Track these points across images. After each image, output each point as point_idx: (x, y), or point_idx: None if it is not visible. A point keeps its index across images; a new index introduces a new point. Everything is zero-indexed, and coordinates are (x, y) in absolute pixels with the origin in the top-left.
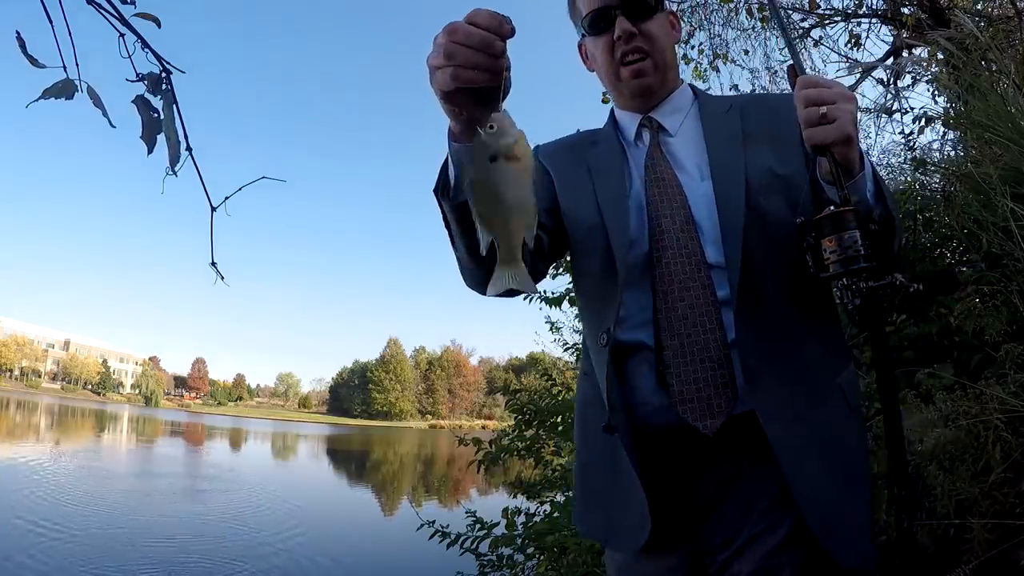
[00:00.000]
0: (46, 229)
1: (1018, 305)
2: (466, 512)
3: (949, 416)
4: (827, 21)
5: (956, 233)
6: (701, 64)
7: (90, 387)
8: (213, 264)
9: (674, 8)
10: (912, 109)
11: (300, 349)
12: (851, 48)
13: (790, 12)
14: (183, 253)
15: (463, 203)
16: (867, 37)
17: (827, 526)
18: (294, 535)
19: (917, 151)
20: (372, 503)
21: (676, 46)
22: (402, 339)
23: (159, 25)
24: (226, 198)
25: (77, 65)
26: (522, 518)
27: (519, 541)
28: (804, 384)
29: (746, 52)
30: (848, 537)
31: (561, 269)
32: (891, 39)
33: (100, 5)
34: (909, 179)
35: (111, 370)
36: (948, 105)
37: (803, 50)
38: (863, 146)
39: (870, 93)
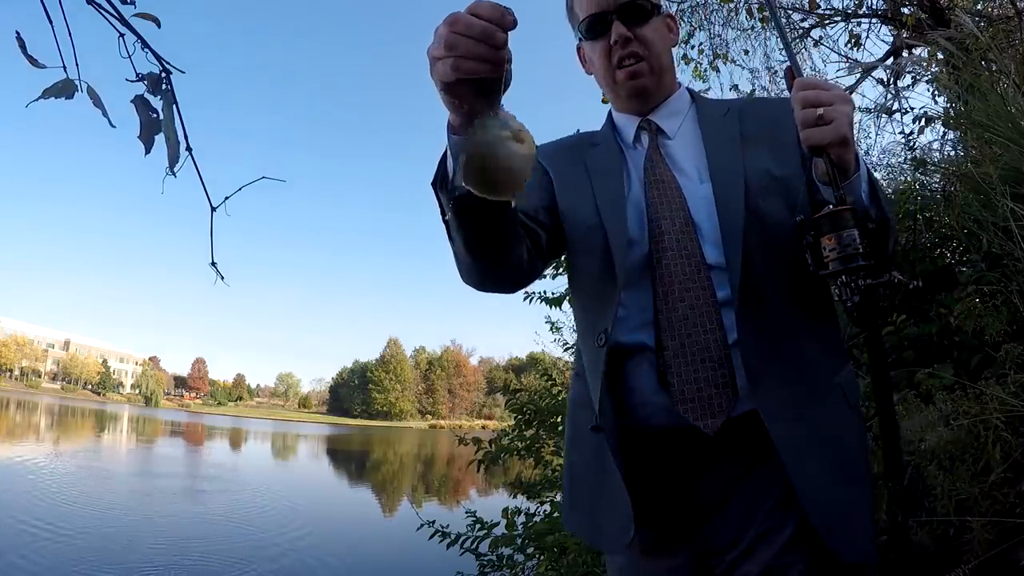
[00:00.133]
0: (46, 229)
1: (1018, 305)
2: (466, 512)
3: (949, 416)
4: (827, 21)
5: (956, 233)
6: (701, 64)
7: (90, 387)
8: (213, 264)
9: (673, 8)
10: (912, 109)
11: (300, 349)
12: (851, 48)
13: (790, 12)
14: (183, 253)
15: (461, 196)
16: (867, 37)
17: (830, 525)
18: (302, 535)
19: (917, 151)
20: (372, 503)
21: (675, 47)
22: (402, 339)
23: (159, 25)
24: (226, 198)
25: (77, 65)
26: (522, 518)
27: (519, 541)
28: (805, 384)
29: (746, 52)
30: (851, 535)
31: (561, 270)
32: (891, 39)
33: (100, 5)
34: (909, 179)
35: (111, 370)
36: (948, 105)
37: (803, 50)
38: (860, 147)
39: (870, 93)
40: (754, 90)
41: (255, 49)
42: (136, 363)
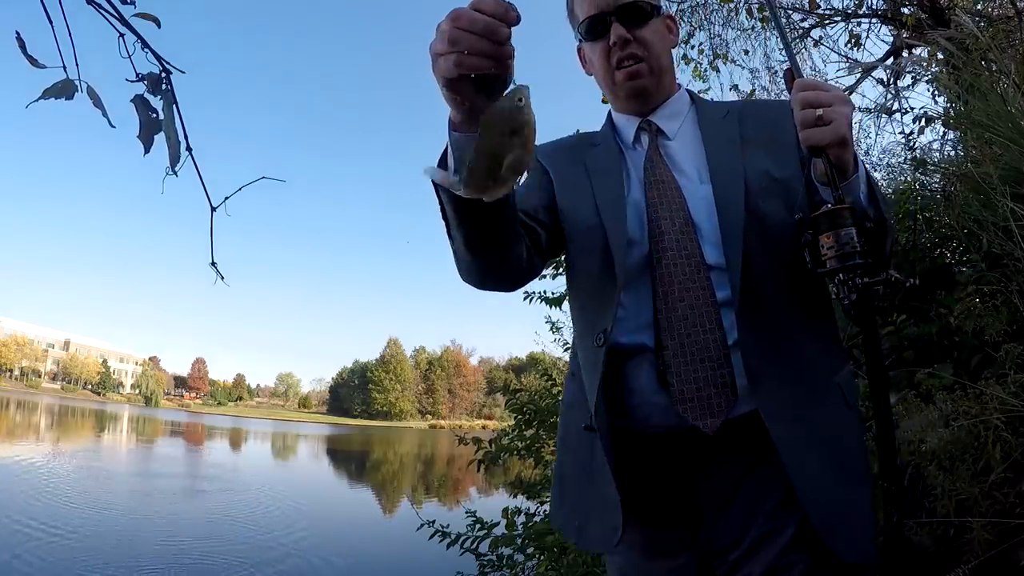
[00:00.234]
0: (46, 229)
1: (1018, 305)
2: (466, 512)
3: (949, 416)
4: (827, 21)
5: (956, 233)
6: (701, 64)
7: (90, 387)
8: (213, 264)
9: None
10: (912, 109)
11: (300, 349)
12: (851, 48)
13: (790, 12)
14: (183, 253)
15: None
16: (867, 37)
17: (830, 525)
18: (307, 535)
19: (917, 151)
20: (373, 503)
21: (675, 48)
22: (402, 339)
23: (159, 25)
24: (226, 198)
25: (77, 65)
26: (522, 518)
27: (519, 541)
28: (805, 384)
29: (746, 52)
30: (851, 535)
31: (561, 270)
32: (891, 39)
33: (100, 5)
34: (909, 179)
35: (111, 370)
36: (948, 105)
37: (803, 50)
38: (860, 147)
39: (870, 93)
40: (754, 90)
41: (255, 49)
42: (136, 363)
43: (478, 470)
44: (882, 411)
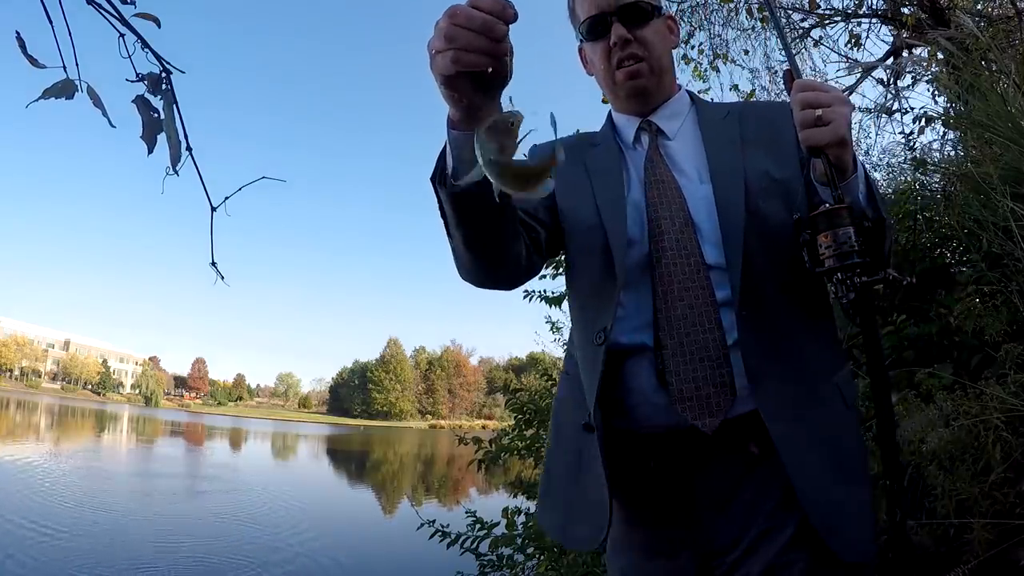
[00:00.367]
0: (46, 229)
1: (1018, 305)
2: (466, 512)
3: (949, 416)
4: (827, 21)
5: (956, 233)
6: (701, 64)
7: (90, 387)
8: (213, 264)
9: (673, 8)
10: (912, 109)
11: (300, 349)
12: (851, 48)
13: (790, 12)
14: (183, 253)
15: (460, 192)
16: (867, 37)
17: (830, 525)
18: (315, 536)
19: (917, 151)
20: (373, 503)
21: (675, 48)
22: (402, 339)
23: (159, 25)
24: (226, 198)
25: (77, 65)
26: (522, 518)
27: (519, 541)
28: (804, 384)
29: (746, 52)
30: (851, 534)
31: (561, 269)
32: (891, 39)
33: (100, 5)
34: (909, 179)
35: (111, 370)
36: (948, 105)
37: (803, 50)
38: (860, 147)
39: (870, 93)
40: (754, 90)
41: (255, 49)
42: (136, 363)
43: (478, 470)
44: (883, 410)
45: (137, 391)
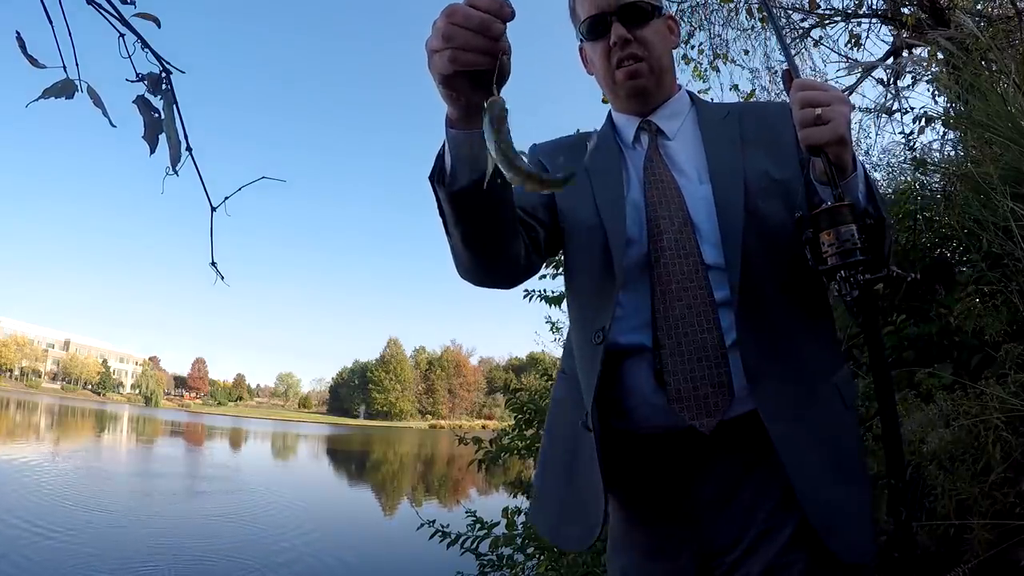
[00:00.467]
0: (46, 229)
1: (1018, 305)
2: (466, 512)
3: (949, 416)
4: (827, 21)
5: (956, 233)
6: (701, 64)
7: (90, 387)
8: (213, 264)
9: (673, 8)
10: (912, 109)
11: (300, 349)
12: (851, 48)
13: (790, 12)
14: (183, 253)
15: (458, 191)
16: (867, 37)
17: (829, 525)
18: (322, 537)
19: (917, 151)
20: (373, 503)
21: (675, 48)
22: (402, 339)
23: (159, 25)
24: (226, 198)
25: (77, 65)
26: (522, 518)
27: (519, 541)
28: (803, 384)
29: (746, 52)
30: (850, 535)
31: (561, 269)
32: (891, 39)
33: (100, 5)
34: (909, 179)
35: (111, 370)
36: (948, 105)
37: (803, 50)
38: (860, 147)
39: (870, 93)
40: (754, 90)
41: (255, 48)
42: (136, 363)
43: (478, 470)
44: (887, 408)
45: (137, 391)
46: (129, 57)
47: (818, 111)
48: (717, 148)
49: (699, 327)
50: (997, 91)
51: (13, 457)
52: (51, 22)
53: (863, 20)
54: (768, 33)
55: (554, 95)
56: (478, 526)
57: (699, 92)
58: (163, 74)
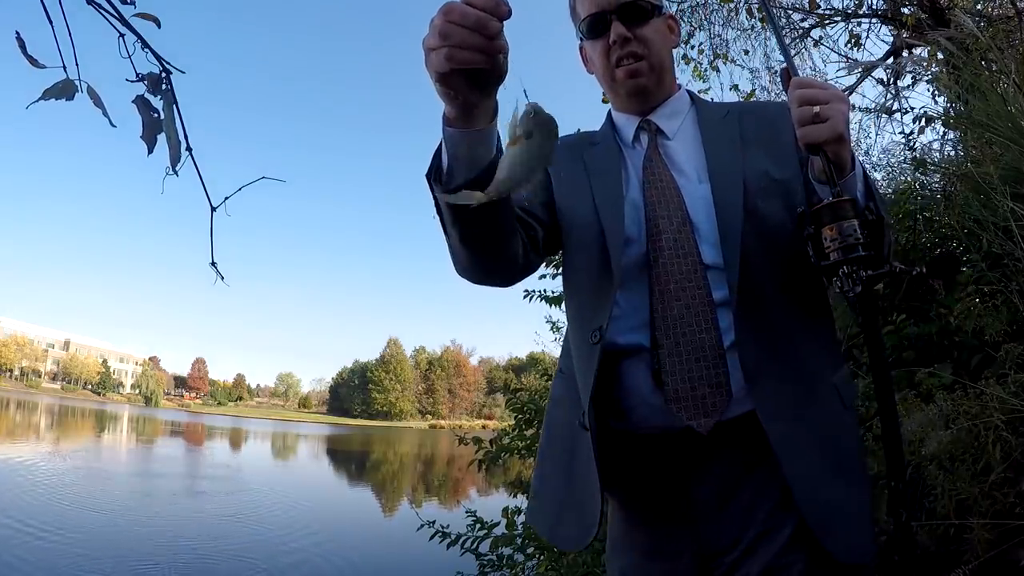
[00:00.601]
0: (46, 229)
1: (1018, 305)
2: (466, 512)
3: (949, 416)
4: (827, 21)
5: (956, 233)
6: (701, 64)
7: (90, 387)
8: (213, 264)
9: (673, 8)
10: (912, 109)
11: (300, 349)
12: (851, 48)
13: (790, 12)
14: (183, 253)
15: (455, 189)
16: (867, 37)
17: (827, 526)
18: (328, 538)
19: (917, 151)
20: (373, 503)
21: (675, 48)
22: (402, 339)
23: (159, 25)
24: (226, 198)
25: (77, 65)
26: (522, 518)
27: (519, 541)
28: (802, 384)
29: (746, 52)
30: (847, 535)
31: (561, 268)
32: (891, 39)
33: (100, 5)
34: (909, 179)
35: (111, 370)
36: (948, 105)
37: (803, 50)
38: (860, 147)
39: (870, 93)
40: (754, 90)
41: (255, 47)
42: (136, 363)
43: (479, 470)
44: (886, 406)
45: (137, 391)
46: (129, 57)
47: (816, 109)
48: (717, 148)
49: (697, 327)
50: (997, 91)
51: (13, 457)
52: (51, 22)
53: (863, 20)
54: (768, 33)
55: (553, 94)
56: (478, 526)
57: (699, 92)
58: (163, 74)
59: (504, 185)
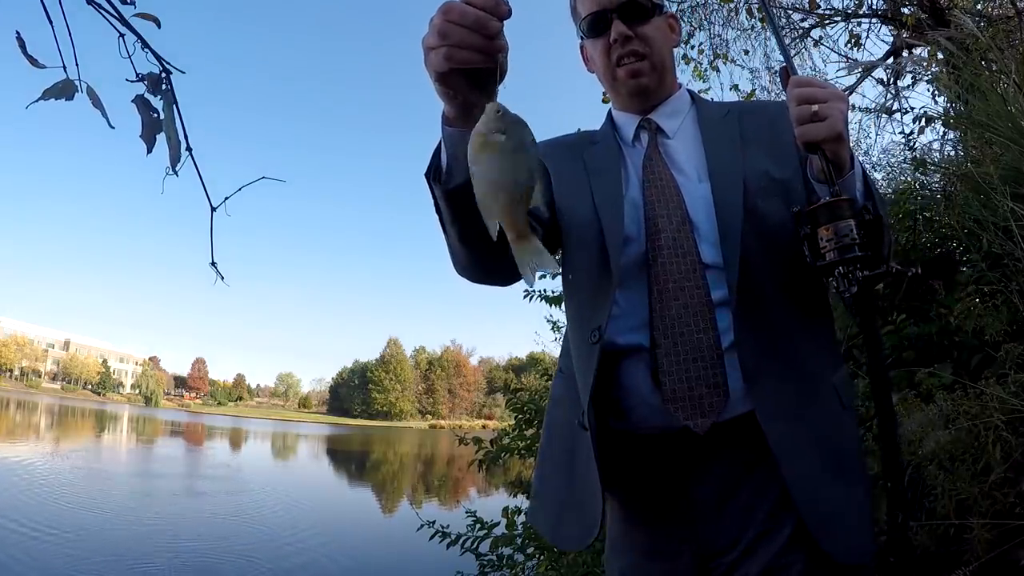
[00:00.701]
0: (46, 229)
1: (1018, 305)
2: (466, 512)
3: (949, 416)
4: (827, 21)
5: (956, 233)
6: (701, 64)
7: (90, 387)
8: (213, 264)
9: (674, 8)
10: (912, 109)
11: (300, 349)
12: (851, 48)
13: (790, 12)
14: (183, 253)
15: (454, 189)
16: (867, 37)
17: (825, 526)
18: (331, 540)
19: (917, 151)
20: (373, 503)
21: (676, 47)
22: (402, 339)
23: (159, 25)
24: (226, 198)
25: (77, 65)
26: (522, 518)
27: (519, 541)
28: (802, 384)
29: (746, 52)
30: (846, 536)
31: (562, 268)
32: (891, 39)
33: (100, 5)
34: (909, 179)
35: (111, 370)
36: (948, 105)
37: (803, 50)
38: (860, 147)
39: (870, 93)
40: (754, 90)
41: (255, 48)
42: (136, 363)
43: (479, 470)
44: (884, 406)
45: (137, 391)
46: (129, 57)
47: (815, 108)
48: (717, 147)
49: (695, 327)
50: (997, 91)
51: (11, 456)
52: (51, 22)
53: (863, 20)
54: (768, 33)
55: (553, 93)
56: (478, 526)
57: (699, 92)
58: (163, 74)
59: (532, 193)
